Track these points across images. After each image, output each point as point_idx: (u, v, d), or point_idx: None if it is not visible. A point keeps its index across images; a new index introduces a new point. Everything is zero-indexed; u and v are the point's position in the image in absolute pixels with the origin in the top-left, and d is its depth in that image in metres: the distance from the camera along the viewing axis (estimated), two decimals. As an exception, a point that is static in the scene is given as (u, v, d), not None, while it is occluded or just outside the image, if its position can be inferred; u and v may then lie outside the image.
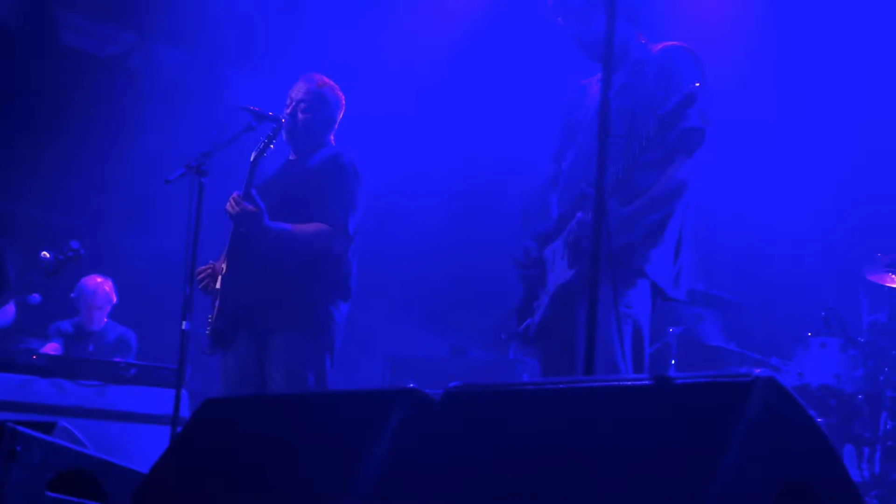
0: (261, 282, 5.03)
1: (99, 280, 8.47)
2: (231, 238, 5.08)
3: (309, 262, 5.06)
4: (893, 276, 7.02)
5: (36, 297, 8.13)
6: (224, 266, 5.10)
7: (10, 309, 7.43)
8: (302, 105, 5.24)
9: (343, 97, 5.37)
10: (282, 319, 5.00)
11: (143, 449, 6.27)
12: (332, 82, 5.37)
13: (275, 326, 5.01)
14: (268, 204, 4.97)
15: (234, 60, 9.73)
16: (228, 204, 4.98)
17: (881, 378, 6.82)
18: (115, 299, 8.54)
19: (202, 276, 5.17)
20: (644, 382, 2.24)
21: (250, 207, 4.92)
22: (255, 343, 5.06)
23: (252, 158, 5.02)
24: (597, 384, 2.35)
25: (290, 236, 5.03)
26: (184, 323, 4.86)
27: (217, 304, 5.08)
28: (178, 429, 4.64)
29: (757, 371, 2.08)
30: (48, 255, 7.19)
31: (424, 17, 9.18)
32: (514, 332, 4.43)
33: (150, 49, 9.69)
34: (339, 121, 5.37)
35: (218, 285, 5.10)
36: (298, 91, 5.29)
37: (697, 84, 3.85)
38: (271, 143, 5.01)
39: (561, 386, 2.38)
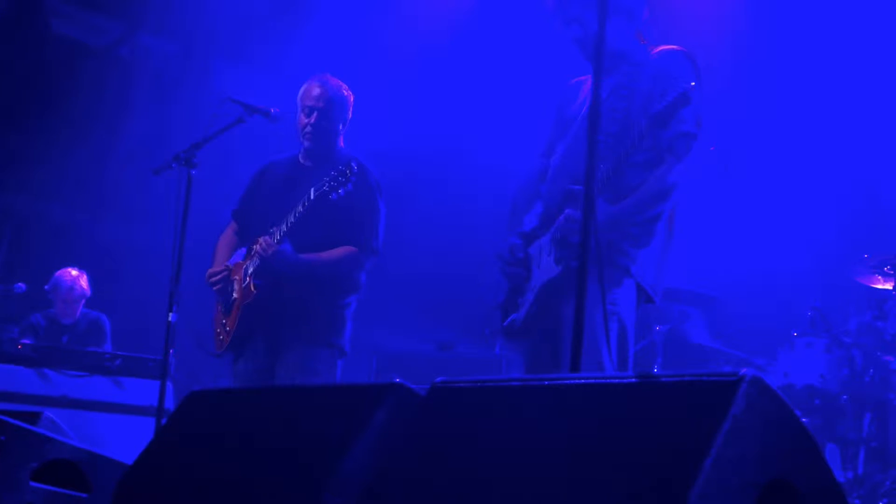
0: (285, 295, 5.06)
1: (74, 274, 8.45)
2: (260, 260, 5.08)
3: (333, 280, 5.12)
4: (880, 277, 7.04)
5: (21, 286, 8.12)
6: (250, 282, 5.08)
7: None
8: (323, 112, 5.18)
9: (352, 95, 5.33)
10: (301, 333, 5.05)
11: (127, 440, 6.27)
12: (342, 82, 5.33)
13: (293, 338, 5.05)
14: (306, 218, 4.96)
15: (224, 51, 9.71)
16: (259, 246, 4.99)
17: (866, 379, 6.84)
18: (89, 292, 8.52)
19: (217, 278, 5.17)
20: (629, 380, 2.24)
21: (280, 248, 4.94)
22: (270, 350, 5.09)
23: (312, 196, 4.87)
24: (582, 381, 2.36)
25: (320, 269, 5.06)
26: (170, 314, 4.86)
27: (238, 313, 5.10)
28: (163, 420, 4.64)
29: (742, 370, 2.09)
30: None
31: (418, 12, 9.18)
32: (498, 328, 4.43)
33: (140, 39, 9.67)
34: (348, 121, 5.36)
35: (235, 294, 5.11)
36: (319, 99, 5.19)
37: (693, 83, 3.85)
38: (340, 187, 4.81)
39: (546, 383, 2.39)
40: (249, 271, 5.10)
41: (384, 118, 9.05)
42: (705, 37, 7.62)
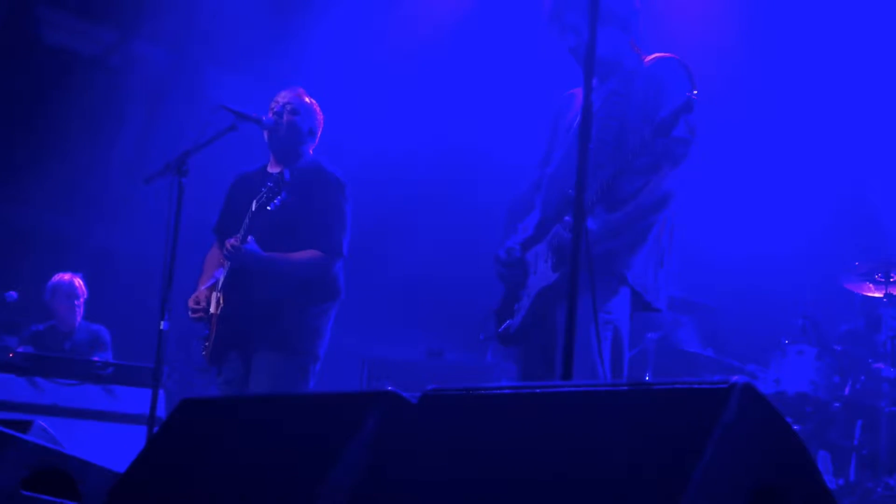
0: (254, 305, 5.08)
1: (68, 276, 8.43)
2: (228, 270, 5.11)
3: (302, 285, 5.11)
4: (871, 285, 7.07)
5: (13, 295, 8.09)
6: (220, 295, 5.10)
7: None
8: (289, 107, 5.23)
9: (321, 113, 5.37)
10: (268, 338, 5.05)
11: (119, 448, 6.24)
12: (312, 98, 5.38)
13: (261, 345, 5.04)
14: (255, 229, 5.00)
15: (216, 59, 9.71)
16: (224, 250, 5.04)
17: (857, 386, 6.86)
18: (86, 293, 8.50)
19: (197, 314, 5.20)
20: (621, 388, 2.24)
21: (245, 247, 4.98)
22: (244, 359, 5.09)
23: (254, 208, 4.96)
24: (574, 389, 2.36)
25: (287, 266, 5.07)
26: (161, 323, 4.85)
27: (215, 327, 5.10)
28: (155, 428, 4.63)
29: (734, 378, 2.09)
30: None
31: (413, 16, 9.18)
32: (493, 333, 4.44)
33: (132, 47, 9.66)
34: (318, 137, 5.36)
35: (213, 309, 5.12)
36: (284, 96, 5.28)
37: (695, 92, 3.88)
38: (275, 196, 4.92)
39: (538, 390, 2.39)
40: (220, 284, 5.13)
41: (377, 125, 9.06)
42: (698, 41, 7.64)
